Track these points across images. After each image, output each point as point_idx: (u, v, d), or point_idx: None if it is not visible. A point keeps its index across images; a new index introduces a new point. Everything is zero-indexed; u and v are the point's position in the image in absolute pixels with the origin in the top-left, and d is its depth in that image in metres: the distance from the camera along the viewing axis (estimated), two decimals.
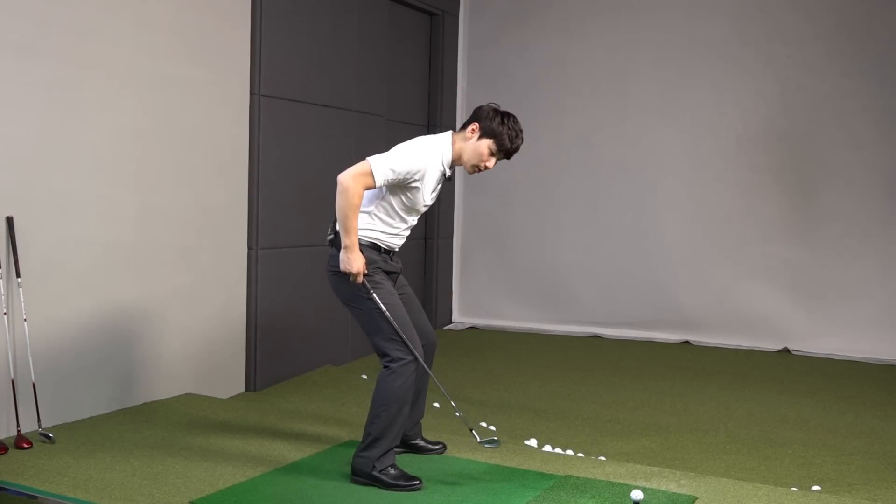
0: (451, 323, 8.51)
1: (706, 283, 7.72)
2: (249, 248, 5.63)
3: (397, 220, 3.74)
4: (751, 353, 7.37)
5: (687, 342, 7.77)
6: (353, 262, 3.59)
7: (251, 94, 5.59)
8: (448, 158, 3.72)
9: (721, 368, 6.76)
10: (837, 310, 7.32)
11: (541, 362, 6.90)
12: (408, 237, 3.89)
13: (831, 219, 7.34)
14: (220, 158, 5.40)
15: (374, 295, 3.64)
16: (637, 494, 3.48)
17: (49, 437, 4.12)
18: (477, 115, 3.75)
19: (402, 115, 7.59)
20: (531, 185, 8.28)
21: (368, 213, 3.70)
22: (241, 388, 5.65)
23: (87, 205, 4.56)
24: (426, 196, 3.69)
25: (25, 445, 4.01)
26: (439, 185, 3.76)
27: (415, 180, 3.62)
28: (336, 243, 3.69)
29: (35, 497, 3.46)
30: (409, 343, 3.63)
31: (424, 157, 3.63)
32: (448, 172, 3.76)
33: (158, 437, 4.28)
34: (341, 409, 5.24)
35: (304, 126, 6.03)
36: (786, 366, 6.92)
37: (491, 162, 3.75)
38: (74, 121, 4.47)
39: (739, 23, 7.56)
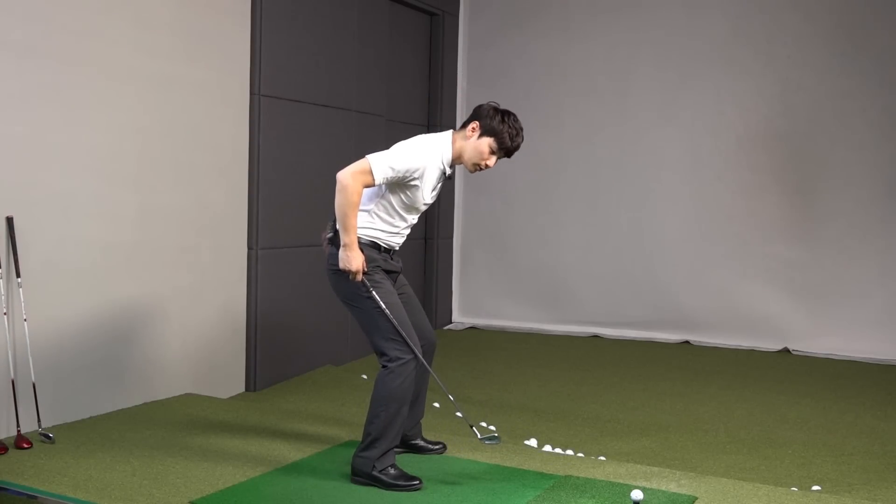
0: (451, 323, 8.51)
1: (706, 283, 7.72)
2: (249, 247, 5.63)
3: (397, 218, 3.74)
4: (751, 353, 7.37)
5: (687, 342, 7.77)
6: (353, 259, 3.59)
7: (251, 93, 5.59)
8: (448, 157, 3.72)
9: (721, 368, 6.76)
10: (837, 310, 7.32)
11: (541, 362, 6.90)
12: (408, 237, 3.89)
13: (831, 219, 7.34)
14: (220, 158, 5.40)
15: (374, 293, 3.64)
16: (637, 494, 3.48)
17: (49, 437, 4.11)
18: (477, 114, 3.74)
19: (402, 114, 7.59)
20: (531, 185, 8.27)
21: (368, 211, 3.70)
22: (241, 388, 5.65)
23: (87, 205, 4.56)
24: (426, 195, 3.69)
25: (25, 445, 4.00)
26: (440, 184, 3.75)
27: (414, 178, 3.62)
28: (335, 241, 3.69)
29: (35, 497, 3.46)
30: (408, 341, 3.63)
31: (424, 156, 3.63)
32: (448, 171, 3.76)
33: (158, 437, 4.28)
34: (341, 409, 5.24)
35: (304, 126, 6.03)
36: (786, 366, 6.92)
37: (492, 160, 3.75)
38: (74, 121, 4.47)
39: (739, 23, 7.55)
